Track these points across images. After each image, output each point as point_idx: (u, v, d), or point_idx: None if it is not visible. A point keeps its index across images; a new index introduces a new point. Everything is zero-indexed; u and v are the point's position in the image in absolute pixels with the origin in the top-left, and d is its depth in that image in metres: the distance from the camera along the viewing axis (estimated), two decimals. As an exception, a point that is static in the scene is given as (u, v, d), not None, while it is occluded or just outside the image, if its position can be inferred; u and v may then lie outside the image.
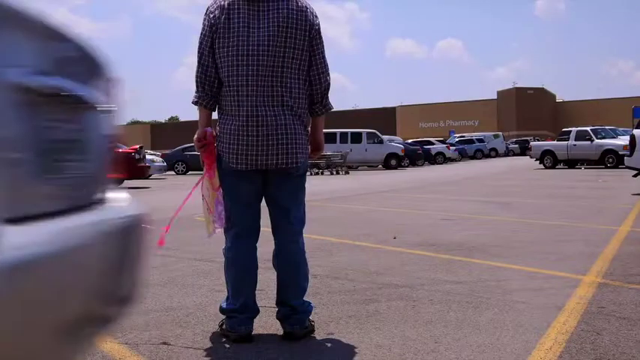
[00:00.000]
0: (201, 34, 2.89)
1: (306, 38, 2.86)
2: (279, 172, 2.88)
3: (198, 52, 2.88)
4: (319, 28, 2.93)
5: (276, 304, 3.03)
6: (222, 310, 3.01)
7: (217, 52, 2.83)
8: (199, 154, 3.01)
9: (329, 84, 2.99)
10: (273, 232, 3.02)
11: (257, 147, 2.79)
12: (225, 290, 3.07)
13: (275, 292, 3.08)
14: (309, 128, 3.04)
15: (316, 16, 2.93)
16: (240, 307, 2.92)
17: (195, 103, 2.93)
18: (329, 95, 3.03)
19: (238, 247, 2.95)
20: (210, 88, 2.88)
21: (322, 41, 2.95)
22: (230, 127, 2.83)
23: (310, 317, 3.04)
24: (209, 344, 2.87)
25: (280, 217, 2.98)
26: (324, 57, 2.96)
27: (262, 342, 2.89)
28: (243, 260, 2.95)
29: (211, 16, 2.86)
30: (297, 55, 2.84)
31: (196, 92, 2.92)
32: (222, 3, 2.85)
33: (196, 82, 2.90)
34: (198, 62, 2.89)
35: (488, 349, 2.73)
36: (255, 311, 2.98)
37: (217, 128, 2.94)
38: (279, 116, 2.80)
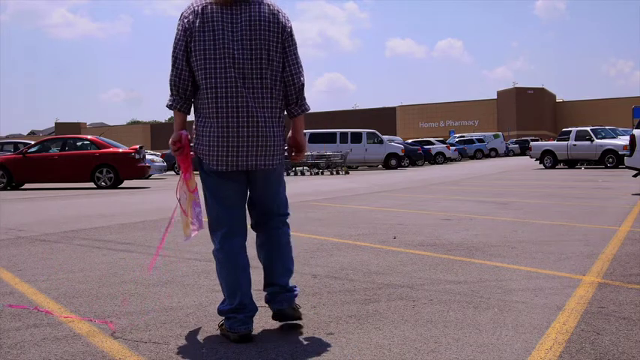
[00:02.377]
0: (175, 38, 2.92)
1: (279, 40, 2.93)
2: (260, 172, 2.97)
3: (172, 56, 2.91)
4: (291, 30, 3.00)
5: (264, 288, 3.10)
6: (220, 312, 3.00)
7: (193, 56, 2.87)
8: (176, 160, 3.04)
9: (303, 84, 3.02)
10: (257, 227, 3.12)
11: (238, 148, 2.86)
12: None
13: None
14: (291, 130, 3.12)
15: (288, 20, 3.01)
16: (237, 306, 2.91)
17: (169, 107, 2.96)
18: (305, 96, 3.07)
19: (228, 247, 2.96)
20: (184, 91, 2.92)
21: (295, 42, 3.01)
22: (210, 130, 2.87)
23: (301, 310, 3.17)
24: (209, 344, 2.87)
25: (266, 212, 3.09)
26: (297, 57, 3.00)
27: (262, 342, 2.89)
28: (234, 259, 2.95)
29: (185, 21, 2.90)
30: (272, 56, 2.91)
31: (171, 96, 2.95)
32: (196, 8, 2.89)
33: (170, 85, 2.94)
34: (173, 66, 2.91)
35: (488, 349, 2.73)
36: (253, 310, 2.97)
37: (194, 131, 2.97)
38: (260, 118, 2.87)
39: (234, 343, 2.86)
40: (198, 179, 3.01)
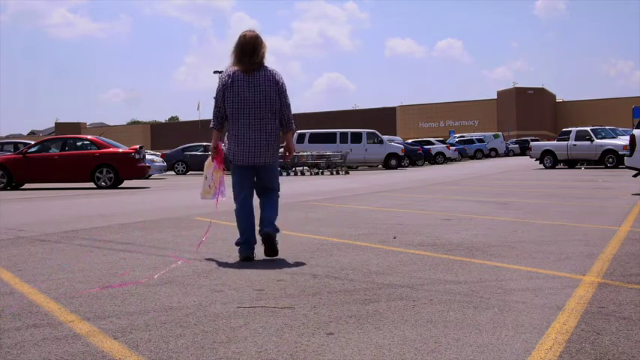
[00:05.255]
0: (217, 88, 5.04)
1: (276, 92, 5.01)
2: (263, 166, 5.08)
3: (215, 99, 5.05)
4: (283, 84, 5.05)
5: (260, 223, 5.05)
6: (236, 244, 5.12)
7: (227, 100, 4.98)
8: (211, 155, 5.25)
9: (289, 115, 5.11)
10: (261, 195, 5.23)
11: (249, 152, 5.00)
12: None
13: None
14: (286, 138, 5.27)
15: (281, 77, 5.07)
16: (244, 240, 5.07)
17: (212, 128, 5.11)
18: (292, 121, 5.16)
19: (242, 206, 5.11)
20: (221, 119, 5.07)
21: (285, 90, 5.06)
22: (233, 142, 5.02)
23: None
24: (209, 344, 2.87)
25: (266, 188, 5.21)
26: (286, 99, 5.08)
27: (262, 342, 2.89)
28: (245, 214, 5.11)
29: (223, 80, 5.02)
30: (273, 101, 4.99)
31: (212, 122, 5.08)
32: (230, 72, 5.01)
33: (213, 116, 5.07)
34: (215, 105, 5.04)
35: (488, 349, 2.73)
36: (254, 242, 5.08)
37: (225, 140, 5.11)
38: (263, 136, 4.99)
39: (235, 342, 2.87)
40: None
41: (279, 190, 5.29)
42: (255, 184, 5.20)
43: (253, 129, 4.94)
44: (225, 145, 5.11)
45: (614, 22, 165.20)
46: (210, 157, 5.31)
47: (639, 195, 11.28)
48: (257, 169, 5.09)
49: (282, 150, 5.52)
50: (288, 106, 5.10)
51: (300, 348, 2.79)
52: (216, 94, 5.02)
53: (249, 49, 4.98)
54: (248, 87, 4.93)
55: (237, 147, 4.98)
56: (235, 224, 5.14)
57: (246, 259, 4.96)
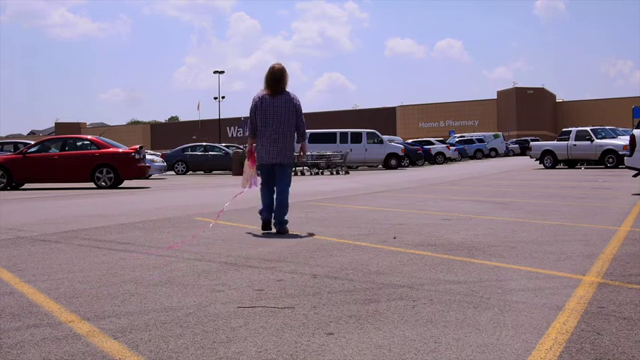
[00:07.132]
0: (251, 107, 6.76)
1: (294, 111, 6.69)
2: (279, 165, 6.75)
3: (250, 116, 6.81)
4: (299, 105, 6.76)
5: (274, 219, 6.73)
6: (259, 212, 6.87)
7: (257, 117, 6.69)
8: (247, 156, 6.96)
9: (304, 130, 6.87)
10: (276, 186, 6.79)
11: (269, 154, 6.70)
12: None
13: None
14: (301, 144, 7.09)
15: (298, 100, 6.76)
16: (265, 208, 6.80)
17: (248, 136, 6.93)
18: (306, 133, 7.00)
19: (265, 190, 6.84)
20: (254, 130, 6.80)
21: (301, 110, 6.78)
22: (259, 147, 6.77)
23: (288, 226, 6.72)
24: (209, 344, 2.87)
25: (280, 183, 6.77)
26: (302, 118, 6.78)
27: (263, 341, 2.89)
28: (267, 195, 6.83)
29: (255, 101, 6.72)
30: (291, 119, 6.68)
31: (248, 131, 6.88)
32: (260, 95, 6.71)
33: (249, 127, 6.85)
34: (249, 119, 6.81)
35: (488, 349, 2.73)
36: (271, 212, 6.75)
37: (256, 145, 6.86)
38: (281, 143, 6.68)
39: (235, 342, 2.87)
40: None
41: (289, 185, 6.85)
42: (274, 178, 6.83)
43: (274, 138, 6.63)
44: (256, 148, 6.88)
45: (614, 22, 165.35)
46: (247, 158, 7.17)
47: (639, 195, 11.28)
48: (275, 167, 6.76)
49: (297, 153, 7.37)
50: (303, 122, 6.81)
51: (300, 348, 2.79)
52: (250, 112, 6.79)
53: (277, 78, 6.62)
54: (272, 107, 6.62)
55: (261, 150, 6.72)
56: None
57: (266, 221, 6.73)
